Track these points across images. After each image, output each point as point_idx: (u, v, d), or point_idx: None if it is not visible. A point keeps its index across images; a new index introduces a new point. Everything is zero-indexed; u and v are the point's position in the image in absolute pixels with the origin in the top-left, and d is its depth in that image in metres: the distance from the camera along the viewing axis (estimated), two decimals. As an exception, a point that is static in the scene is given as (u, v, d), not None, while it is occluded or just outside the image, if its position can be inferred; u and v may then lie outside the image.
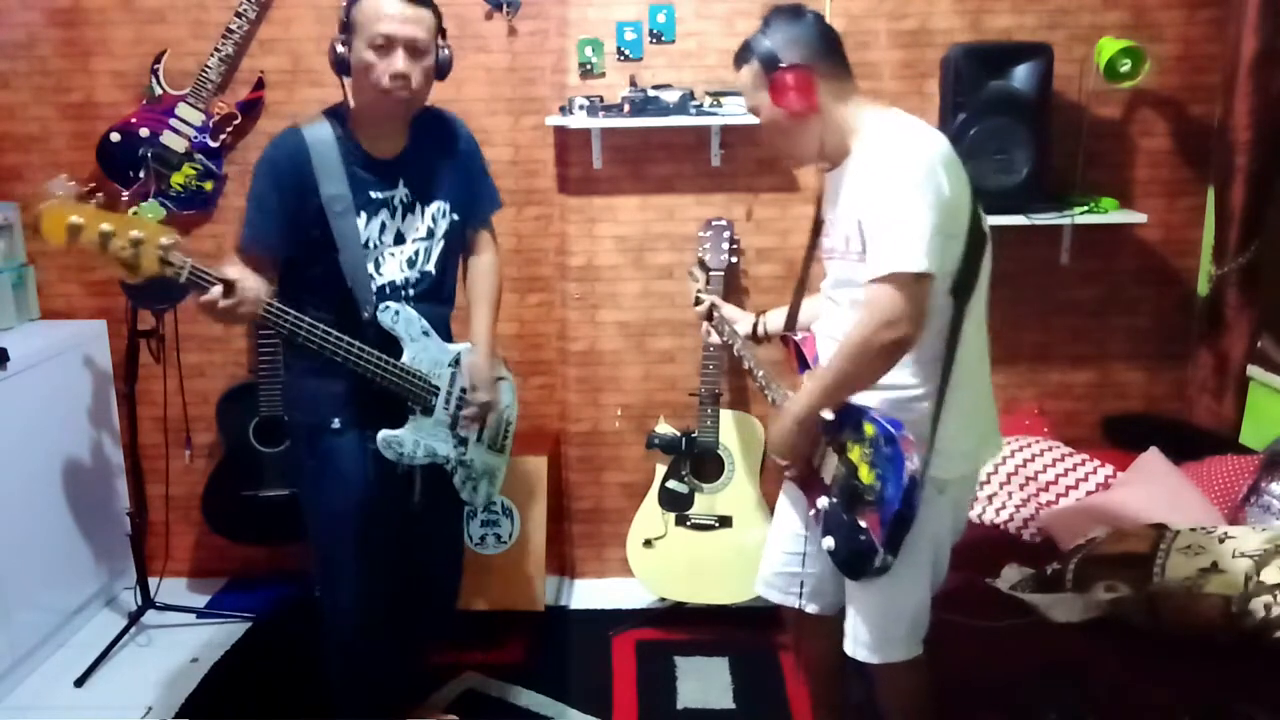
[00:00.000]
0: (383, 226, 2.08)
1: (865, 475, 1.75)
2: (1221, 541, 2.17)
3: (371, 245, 2.07)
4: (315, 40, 3.02)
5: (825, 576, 2.04)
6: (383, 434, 2.09)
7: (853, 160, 1.80)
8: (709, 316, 2.39)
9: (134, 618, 3.02)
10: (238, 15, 2.96)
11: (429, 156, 2.14)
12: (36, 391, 2.88)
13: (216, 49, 2.97)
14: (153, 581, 3.09)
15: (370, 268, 2.07)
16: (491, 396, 2.23)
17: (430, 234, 2.16)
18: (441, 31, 2.04)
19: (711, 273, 2.87)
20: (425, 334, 2.14)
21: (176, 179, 3.04)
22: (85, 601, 3.11)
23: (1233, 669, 2.02)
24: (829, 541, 1.85)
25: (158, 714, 2.64)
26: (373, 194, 2.06)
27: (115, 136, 2.99)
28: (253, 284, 1.88)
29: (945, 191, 1.68)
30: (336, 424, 2.10)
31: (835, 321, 1.91)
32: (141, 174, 3.01)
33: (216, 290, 1.80)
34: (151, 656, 2.92)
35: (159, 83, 3.00)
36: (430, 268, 2.17)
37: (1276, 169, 2.78)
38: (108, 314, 3.18)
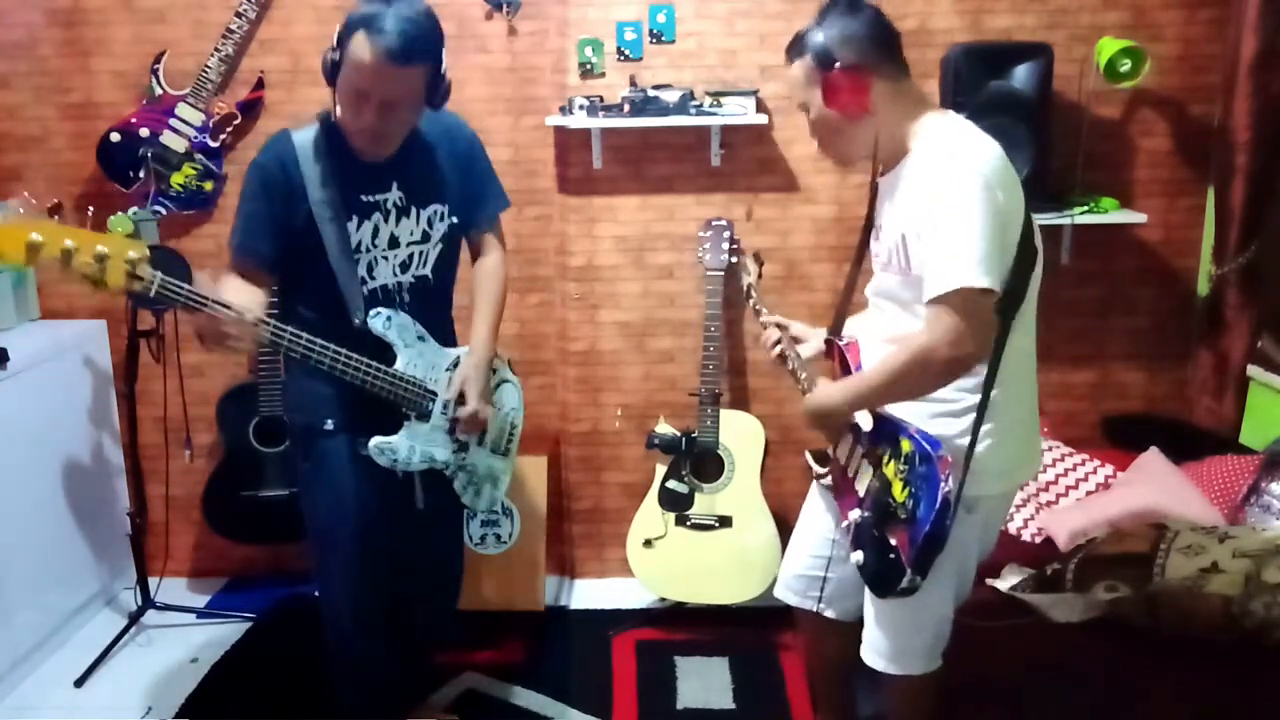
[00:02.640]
0: (375, 230, 2.03)
1: (898, 492, 1.71)
2: (1221, 541, 2.17)
3: (364, 249, 2.03)
4: (315, 40, 3.02)
5: (847, 582, 2.01)
6: (375, 441, 2.05)
7: (906, 169, 1.73)
8: (749, 296, 2.30)
9: (134, 618, 3.01)
10: (238, 15, 2.96)
11: (425, 158, 2.09)
12: (36, 391, 2.88)
13: (216, 49, 2.97)
14: (153, 581, 3.09)
15: (363, 272, 2.04)
16: (480, 406, 2.16)
17: (425, 238, 2.11)
18: (438, 65, 1.92)
19: (710, 272, 2.87)
20: (420, 339, 2.11)
21: (176, 179, 3.04)
22: (85, 601, 3.11)
23: (1233, 669, 2.02)
24: (858, 555, 1.81)
25: (158, 714, 2.64)
26: (364, 197, 2.01)
27: (115, 136, 3.00)
28: (245, 302, 1.85)
29: (1001, 204, 1.62)
30: (330, 425, 2.08)
31: (879, 327, 1.87)
32: (141, 174, 3.01)
33: (228, 315, 1.79)
34: (151, 656, 2.92)
35: (159, 83, 3.00)
36: (426, 272, 2.13)
37: (1276, 169, 2.78)
38: (108, 314, 3.18)
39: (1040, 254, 1.74)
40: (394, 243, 2.07)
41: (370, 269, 2.05)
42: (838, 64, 1.71)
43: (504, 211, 2.29)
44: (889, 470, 1.74)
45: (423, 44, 1.86)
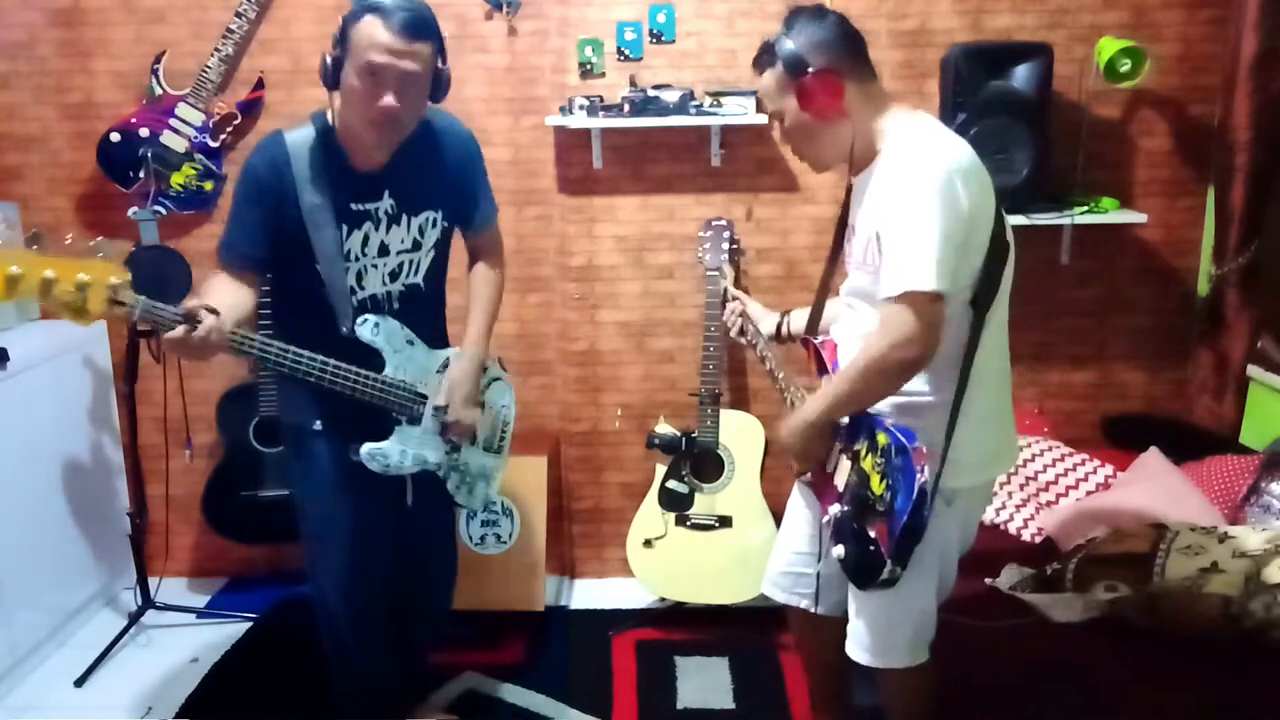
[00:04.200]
0: (365, 239, 2.02)
1: (876, 485, 1.73)
2: (1221, 541, 2.16)
3: (353, 257, 2.01)
4: (315, 40, 3.02)
5: (832, 578, 2.02)
6: (366, 448, 2.05)
7: (877, 169, 1.77)
8: (725, 303, 2.36)
9: (134, 618, 3.01)
10: (238, 15, 2.96)
11: (419, 165, 2.06)
12: (36, 391, 2.88)
13: (216, 49, 2.97)
14: (153, 581, 3.09)
15: (352, 280, 2.02)
16: (464, 413, 2.17)
17: (416, 246, 2.10)
18: (441, 54, 1.94)
19: (710, 272, 2.87)
20: (410, 343, 2.10)
21: (176, 179, 3.04)
22: (85, 601, 3.11)
23: (1233, 669, 2.02)
24: (839, 550, 1.83)
25: (158, 714, 2.64)
26: (354, 206, 2.00)
27: (115, 136, 2.99)
28: (214, 319, 1.78)
29: (963, 205, 1.65)
30: (318, 426, 2.09)
31: (853, 326, 1.89)
32: (141, 174, 3.01)
33: (179, 330, 1.74)
34: (151, 656, 2.92)
35: (159, 83, 3.00)
36: (418, 280, 2.12)
37: (1276, 169, 2.78)
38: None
39: (1012, 250, 1.78)
40: (384, 250, 2.05)
41: (359, 278, 2.04)
42: (810, 69, 1.75)
43: (495, 217, 2.28)
44: (866, 464, 1.77)
45: (428, 22, 1.89)
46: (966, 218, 1.66)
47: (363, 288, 2.05)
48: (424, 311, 2.16)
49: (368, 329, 2.03)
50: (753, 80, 1.89)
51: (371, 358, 2.05)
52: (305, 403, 2.08)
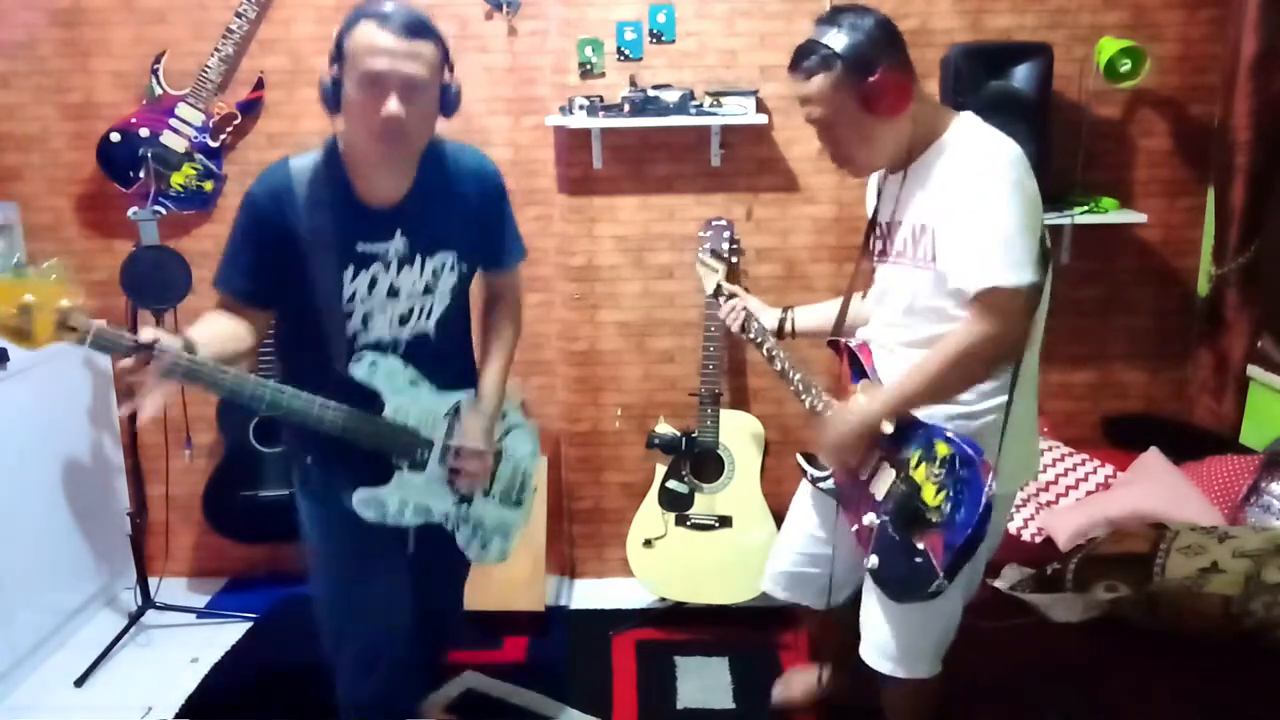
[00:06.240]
0: (373, 281, 1.83)
1: (931, 497, 1.68)
2: (1221, 541, 2.17)
3: (358, 300, 1.83)
4: (315, 40, 3.02)
5: (838, 576, 2.01)
6: (359, 495, 1.86)
7: (940, 164, 1.72)
8: (719, 295, 2.32)
9: (134, 618, 3.02)
10: (238, 15, 2.96)
11: (436, 202, 1.88)
12: (36, 391, 2.88)
13: (216, 49, 2.97)
14: (153, 581, 3.09)
15: (357, 325, 1.85)
16: (480, 459, 1.98)
17: (428, 290, 1.90)
18: (447, 64, 1.77)
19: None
20: (413, 384, 1.91)
21: (176, 179, 3.04)
22: (85, 601, 3.11)
23: (1233, 669, 2.03)
24: (873, 560, 1.78)
25: (158, 714, 2.64)
26: (360, 247, 1.81)
27: (115, 136, 3.00)
28: (174, 350, 1.59)
29: (1036, 198, 1.65)
30: (309, 460, 1.95)
31: (885, 330, 1.86)
32: (141, 174, 3.01)
33: (126, 362, 1.55)
34: (151, 656, 2.92)
35: (159, 83, 3.00)
36: (427, 327, 1.92)
37: (1276, 169, 2.78)
38: (108, 314, 3.17)
39: (1050, 258, 1.75)
40: (393, 293, 1.87)
41: (365, 321, 1.86)
42: (879, 67, 1.68)
43: (520, 261, 2.10)
44: (919, 474, 1.71)
45: (427, 23, 1.73)
46: (1038, 214, 1.65)
47: (368, 331, 1.87)
48: (437, 359, 1.96)
49: (363, 368, 1.84)
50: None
51: (373, 400, 1.87)
52: (302, 434, 1.88)
